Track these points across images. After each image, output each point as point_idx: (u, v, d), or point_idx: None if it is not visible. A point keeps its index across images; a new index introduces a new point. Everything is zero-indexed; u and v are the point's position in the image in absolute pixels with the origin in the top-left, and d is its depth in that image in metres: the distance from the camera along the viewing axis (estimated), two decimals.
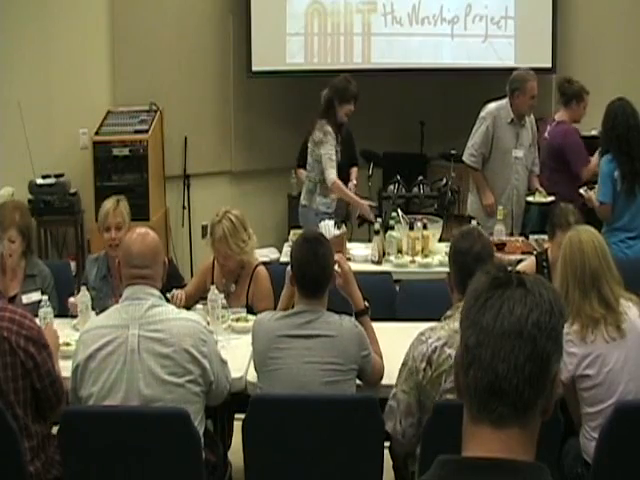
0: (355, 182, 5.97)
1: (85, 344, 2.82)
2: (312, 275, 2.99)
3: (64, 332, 3.55)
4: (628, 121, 4.90)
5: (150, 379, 2.74)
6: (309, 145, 5.49)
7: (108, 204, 4.10)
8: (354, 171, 6.02)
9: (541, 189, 5.38)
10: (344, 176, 5.95)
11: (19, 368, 2.81)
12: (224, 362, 3.01)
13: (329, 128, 5.40)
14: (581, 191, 5.23)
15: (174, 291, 3.82)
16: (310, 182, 5.52)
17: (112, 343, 2.77)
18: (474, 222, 5.09)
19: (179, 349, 2.77)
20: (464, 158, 5.50)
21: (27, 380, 2.84)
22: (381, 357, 3.13)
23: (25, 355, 2.81)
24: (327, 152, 5.38)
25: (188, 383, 2.79)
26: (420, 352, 2.73)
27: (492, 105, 5.41)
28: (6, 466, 2.75)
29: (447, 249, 4.83)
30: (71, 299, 3.85)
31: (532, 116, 5.50)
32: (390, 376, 3.07)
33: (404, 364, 2.80)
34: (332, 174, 5.35)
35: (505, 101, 5.35)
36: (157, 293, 2.89)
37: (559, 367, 1.27)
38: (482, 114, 5.42)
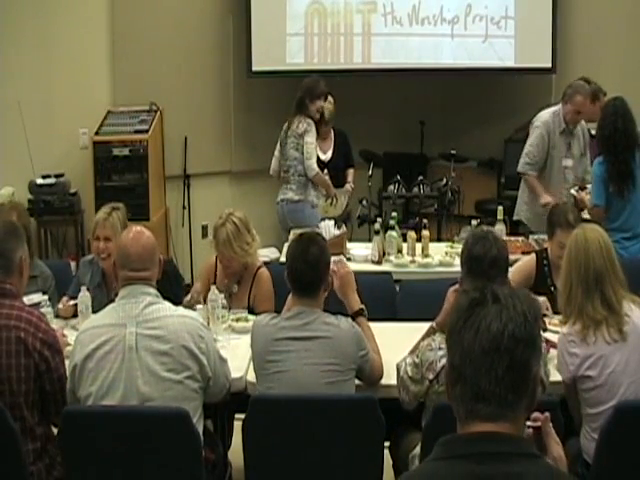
0: (352, 184, 5.97)
1: (82, 344, 2.81)
2: (299, 273, 2.97)
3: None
4: (616, 123, 4.90)
5: (148, 377, 2.74)
6: (291, 141, 5.55)
7: (101, 213, 3.99)
8: (350, 173, 6.05)
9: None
10: (340, 177, 5.96)
11: (32, 370, 2.81)
12: (223, 360, 3.00)
13: (309, 120, 5.50)
14: (572, 192, 5.23)
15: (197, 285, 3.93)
16: (300, 176, 5.58)
17: (110, 342, 2.77)
18: (474, 222, 5.09)
19: (177, 346, 2.77)
20: (520, 169, 5.38)
21: (37, 383, 2.84)
22: (379, 355, 3.13)
23: (40, 358, 2.82)
24: (312, 141, 5.50)
25: (187, 379, 2.79)
26: (427, 359, 2.75)
27: (545, 114, 5.35)
28: (7, 467, 2.75)
29: (446, 249, 4.92)
30: (60, 305, 3.84)
31: (583, 123, 5.42)
32: (390, 376, 3.07)
33: (415, 354, 2.87)
34: (315, 164, 5.47)
35: (558, 108, 5.31)
36: (154, 291, 2.89)
37: (539, 365, 1.40)
38: (536, 123, 5.36)
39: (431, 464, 1.34)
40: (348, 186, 5.96)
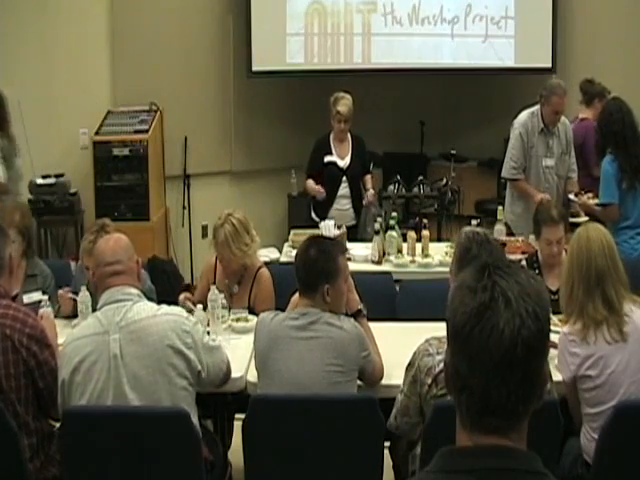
0: (372, 191, 5.71)
1: (69, 357, 2.77)
2: (298, 272, 3.05)
3: (64, 332, 3.55)
4: (623, 119, 4.94)
5: (135, 382, 2.71)
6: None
7: (85, 242, 3.86)
8: (368, 179, 5.78)
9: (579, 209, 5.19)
10: (358, 185, 5.76)
11: (21, 366, 2.82)
12: (215, 347, 2.96)
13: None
14: (571, 197, 5.20)
15: (182, 296, 3.85)
16: None
17: (94, 352, 2.73)
18: (474, 222, 5.08)
19: (162, 346, 2.73)
20: (504, 175, 5.43)
21: (29, 378, 2.85)
22: (380, 357, 3.13)
23: (27, 353, 2.83)
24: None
25: (175, 378, 2.76)
26: (426, 365, 2.73)
27: (523, 116, 5.37)
28: (6, 464, 2.75)
29: (446, 249, 4.92)
30: (60, 291, 3.83)
31: (566, 122, 5.41)
32: (390, 376, 3.07)
33: (411, 365, 2.81)
34: None
35: (536, 108, 5.32)
36: (135, 292, 2.85)
37: (547, 362, 1.29)
38: (515, 125, 5.40)
39: (430, 476, 1.26)
40: (370, 193, 5.65)
